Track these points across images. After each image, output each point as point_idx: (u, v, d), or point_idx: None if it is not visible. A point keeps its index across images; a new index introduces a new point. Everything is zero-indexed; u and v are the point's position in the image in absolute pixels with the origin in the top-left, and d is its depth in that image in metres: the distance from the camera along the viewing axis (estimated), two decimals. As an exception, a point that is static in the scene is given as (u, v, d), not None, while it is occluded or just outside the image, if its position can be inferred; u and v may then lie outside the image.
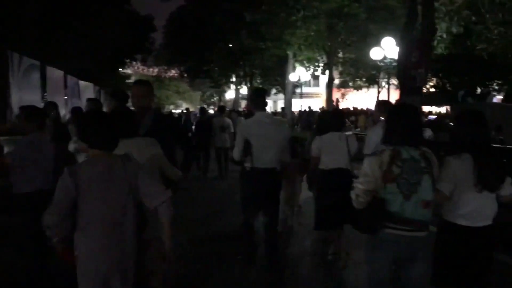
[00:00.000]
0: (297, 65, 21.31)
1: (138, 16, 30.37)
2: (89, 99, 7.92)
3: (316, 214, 4.94)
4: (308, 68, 22.17)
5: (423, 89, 10.78)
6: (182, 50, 31.06)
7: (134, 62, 45.78)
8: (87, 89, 30.78)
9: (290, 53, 20.55)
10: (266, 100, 4.66)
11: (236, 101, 35.78)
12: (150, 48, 32.96)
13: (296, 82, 21.82)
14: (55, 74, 21.60)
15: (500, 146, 8.65)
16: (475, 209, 2.84)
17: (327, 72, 19.93)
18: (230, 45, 23.51)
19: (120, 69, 39.82)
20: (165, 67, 44.94)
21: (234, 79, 32.35)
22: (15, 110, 13.81)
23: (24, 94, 15.86)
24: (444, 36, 12.57)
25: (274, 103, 47.56)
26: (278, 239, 4.81)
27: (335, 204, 4.57)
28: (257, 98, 4.63)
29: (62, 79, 22.54)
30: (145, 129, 3.84)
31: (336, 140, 4.75)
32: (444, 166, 2.87)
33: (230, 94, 40.42)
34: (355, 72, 24.55)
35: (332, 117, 5.07)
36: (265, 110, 4.65)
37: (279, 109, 32.68)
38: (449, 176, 2.83)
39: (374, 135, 4.36)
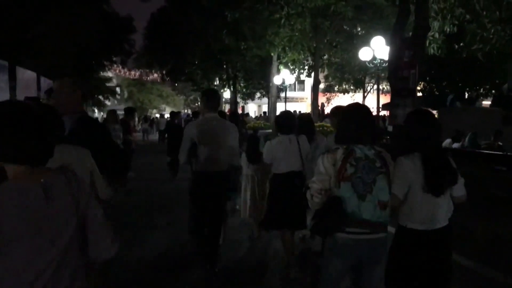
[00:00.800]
0: (281, 67, 20.48)
1: (116, 17, 29.37)
2: (27, 98, 7.18)
3: (266, 214, 4.89)
4: (293, 71, 21.38)
5: (416, 91, 10.09)
6: (162, 52, 30.08)
7: (115, 65, 44.69)
8: (64, 92, 29.61)
9: (274, 55, 19.75)
10: (218, 101, 4.61)
11: (219, 105, 34.95)
12: (130, 50, 31.92)
13: (281, 85, 21.03)
14: (26, 75, 20.44)
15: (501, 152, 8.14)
16: (430, 211, 2.75)
17: (312, 75, 19.13)
18: (211, 46, 22.60)
19: (101, 72, 38.70)
20: (147, 70, 43.82)
21: (217, 82, 31.42)
22: None
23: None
24: (437, 35, 11.94)
25: (258, 107, 46.79)
26: (218, 247, 4.76)
27: (286, 205, 4.52)
28: (207, 99, 4.52)
29: (34, 80, 21.42)
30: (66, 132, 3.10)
31: (286, 143, 4.64)
32: (396, 166, 2.78)
33: (213, 98, 39.47)
34: (341, 75, 23.88)
35: (282, 120, 4.89)
36: (215, 111, 4.56)
37: (263, 114, 31.95)
38: (401, 177, 2.75)
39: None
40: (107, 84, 44.65)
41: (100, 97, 39.88)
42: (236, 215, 6.74)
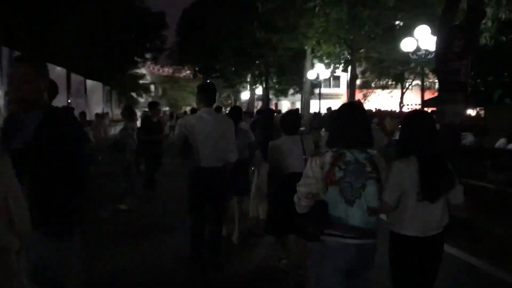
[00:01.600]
0: (315, 61, 19.43)
1: (148, 12, 29.06)
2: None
3: (267, 217, 4.77)
4: (328, 65, 20.23)
5: (468, 85, 8.91)
6: (194, 48, 29.58)
7: (148, 62, 44.68)
8: (96, 89, 29.50)
9: (307, 49, 18.70)
10: (215, 95, 4.52)
11: (251, 102, 34.10)
12: (161, 46, 31.61)
13: (314, 80, 20.01)
14: (55, 71, 20.24)
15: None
16: (423, 218, 2.69)
17: (349, 69, 17.90)
18: (243, 41, 21.76)
19: (132, 70, 38.71)
20: (179, 67, 43.53)
21: (249, 78, 30.56)
22: (3, 110, 12.52)
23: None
24: (490, 24, 10.68)
25: (291, 104, 45.73)
26: (221, 243, 4.70)
27: (288, 209, 3.94)
28: (202, 93, 4.45)
29: (64, 77, 21.20)
30: (27, 136, 2.38)
31: (289, 144, 4.46)
32: (390, 171, 2.69)
33: (246, 95, 38.72)
34: (380, 69, 22.44)
35: (286, 120, 4.72)
36: (210, 106, 4.46)
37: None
38: (394, 183, 2.67)
39: None
40: (141, 81, 44.82)
41: (133, 94, 39.89)
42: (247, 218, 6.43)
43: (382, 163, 2.67)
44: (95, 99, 28.21)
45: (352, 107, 2.84)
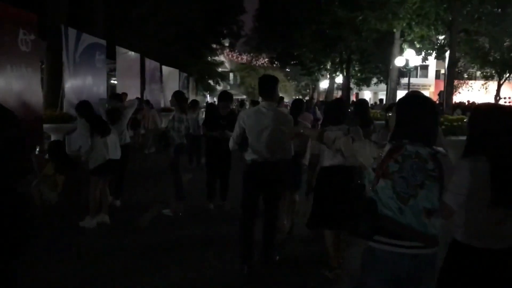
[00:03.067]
0: (405, 46, 17.00)
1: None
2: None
3: (312, 212, 4.44)
4: (419, 51, 17.57)
5: None
6: (272, 34, 28.13)
7: (227, 49, 44.07)
8: (172, 75, 29.11)
9: (397, 32, 16.34)
10: (276, 89, 4.42)
11: (330, 91, 31.99)
12: (238, 32, 30.50)
13: (403, 67, 17.63)
14: (128, 56, 19.73)
15: None
16: (492, 227, 2.30)
17: (447, 55, 15.18)
18: (322, 24, 19.78)
19: (210, 57, 38.23)
20: (256, 54, 42.39)
21: (329, 66, 28.44)
22: (71, 96, 11.83)
23: (85, 77, 13.97)
24: None
25: (374, 94, 42.78)
26: (275, 236, 4.60)
27: (333, 203, 4.15)
28: (263, 86, 4.44)
29: (137, 61, 20.75)
30: None
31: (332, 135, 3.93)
32: (455, 171, 2.32)
33: (325, 84, 36.63)
34: (484, 56, 19.11)
35: (332, 110, 4.59)
36: (271, 99, 4.38)
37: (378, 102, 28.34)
38: (458, 184, 2.29)
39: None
40: (220, 69, 44.35)
41: (210, 81, 39.45)
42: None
43: (450, 164, 2.32)
44: (171, 86, 27.76)
45: (417, 97, 2.54)
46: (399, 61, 17.33)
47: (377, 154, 2.36)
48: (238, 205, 4.59)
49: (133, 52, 19.92)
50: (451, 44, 14.38)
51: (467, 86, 33.98)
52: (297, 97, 52.18)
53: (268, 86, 4.40)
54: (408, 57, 16.67)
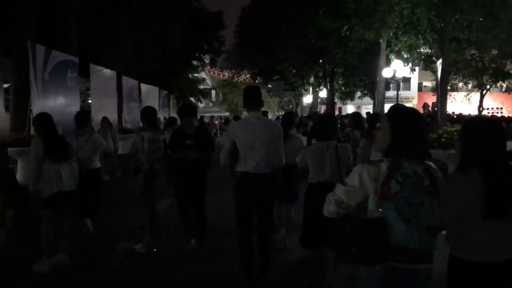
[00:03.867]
0: (392, 57, 16.45)
1: (205, 12, 27.29)
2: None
3: (302, 230, 4.40)
4: (406, 62, 16.94)
5: None
6: (253, 49, 27.50)
7: (208, 66, 43.41)
8: (151, 93, 28.15)
9: (383, 42, 15.74)
10: (261, 98, 4.33)
11: (313, 105, 31.39)
12: (219, 48, 29.78)
13: (391, 79, 17.05)
14: (103, 73, 18.73)
15: None
16: (489, 239, 2.25)
17: (438, 64, 14.54)
18: (305, 38, 19.18)
19: (191, 74, 37.45)
20: (238, 70, 41.72)
21: (312, 80, 27.84)
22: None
23: (56, 97, 13.02)
24: None
25: (357, 108, 42.40)
26: (271, 251, 4.41)
27: (319, 220, 3.51)
28: (248, 97, 4.30)
29: (113, 79, 19.80)
30: None
31: (322, 150, 4.27)
32: (446, 185, 2.32)
33: (308, 99, 36.09)
34: (476, 64, 18.56)
35: (321, 124, 4.55)
36: (257, 110, 4.27)
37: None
38: (452, 198, 2.28)
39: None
40: (202, 86, 43.53)
41: (192, 99, 38.62)
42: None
43: (440, 174, 2.32)
44: (151, 104, 26.77)
45: (411, 111, 2.46)
46: (386, 72, 16.74)
47: (375, 174, 2.25)
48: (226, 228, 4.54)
49: (109, 70, 18.97)
50: (444, 52, 13.81)
51: (450, 97, 33.91)
52: (284, 111, 51.63)
53: (253, 96, 4.28)
54: (395, 68, 16.10)
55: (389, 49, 16.23)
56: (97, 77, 17.44)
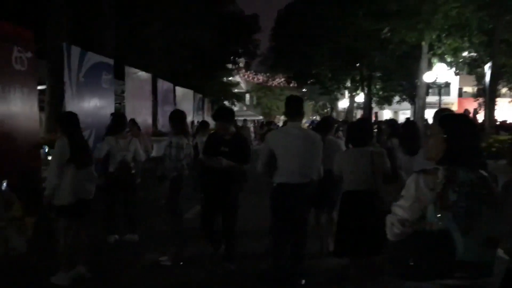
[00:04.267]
0: (434, 61, 15.63)
1: (240, 15, 27.08)
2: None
3: (336, 239, 4.23)
4: (451, 65, 16.00)
5: None
6: (288, 52, 27.06)
7: (243, 70, 43.28)
8: (186, 96, 28.13)
9: (425, 45, 14.96)
10: (303, 109, 4.40)
11: (350, 110, 30.63)
12: (254, 51, 29.49)
13: (432, 83, 16.18)
14: (138, 76, 18.77)
15: None
16: None
17: (487, 67, 13.60)
18: (342, 41, 18.55)
19: (226, 77, 37.37)
20: (272, 74, 41.34)
21: (349, 84, 27.08)
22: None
23: (90, 98, 12.95)
24: None
25: (394, 113, 41.19)
26: (302, 264, 4.35)
27: (357, 230, 3.93)
28: (290, 106, 4.29)
29: (148, 82, 19.83)
30: None
31: (357, 157, 4.09)
32: (504, 192, 2.40)
33: (344, 103, 35.28)
34: None
35: (355, 130, 4.36)
36: (297, 120, 4.26)
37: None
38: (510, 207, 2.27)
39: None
40: (236, 90, 43.42)
41: (226, 102, 38.54)
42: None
43: (493, 183, 2.19)
44: (186, 107, 26.75)
45: (467, 118, 2.39)
46: (428, 77, 15.92)
47: (432, 183, 2.11)
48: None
49: (144, 72, 18.97)
50: (493, 55, 12.89)
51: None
52: (319, 116, 50.82)
53: (295, 106, 4.27)
54: (438, 72, 15.26)
55: (431, 52, 15.42)
56: (132, 80, 17.41)
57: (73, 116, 4.64)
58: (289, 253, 4.28)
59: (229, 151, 4.69)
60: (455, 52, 13.97)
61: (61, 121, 4.63)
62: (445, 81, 15.87)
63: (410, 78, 23.68)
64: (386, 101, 27.32)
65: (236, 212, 4.92)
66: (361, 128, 4.40)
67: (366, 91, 24.91)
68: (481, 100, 28.81)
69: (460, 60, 15.53)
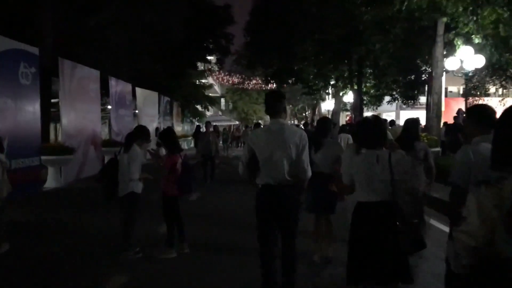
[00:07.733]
0: (458, 42, 12.13)
1: (211, 6, 23.20)
2: None
3: (348, 261, 3.52)
4: (487, 46, 12.30)
5: None
6: (266, 48, 23.57)
7: (216, 72, 39.62)
8: (150, 99, 24.10)
9: (441, 22, 11.51)
10: (284, 104, 3.95)
11: (336, 112, 27.20)
12: (227, 47, 25.68)
13: (457, 72, 12.81)
14: (80, 72, 14.69)
15: None
16: None
17: None
18: (329, 30, 15.29)
19: (198, 79, 33.62)
20: (248, 75, 37.67)
21: (339, 82, 23.53)
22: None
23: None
24: None
25: (380, 115, 38.02)
26: (295, 268, 3.99)
27: (373, 249, 3.32)
28: (270, 102, 3.99)
29: (95, 80, 15.88)
30: None
31: (372, 162, 3.39)
32: None
33: (327, 105, 31.85)
34: None
35: (369, 130, 3.60)
36: (277, 117, 3.91)
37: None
38: None
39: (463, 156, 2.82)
40: (210, 94, 39.59)
41: (198, 106, 34.70)
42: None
43: None
44: (149, 112, 22.87)
45: None
46: (451, 64, 12.38)
47: (496, 199, 1.64)
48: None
49: (88, 68, 14.99)
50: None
51: (482, 101, 29.95)
52: (295, 120, 47.39)
53: (275, 102, 3.90)
54: (463, 57, 11.78)
55: (453, 32, 11.96)
56: (71, 77, 13.51)
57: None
58: (280, 267, 3.89)
59: None
60: (496, 26, 10.40)
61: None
62: (475, 68, 12.36)
63: (407, 73, 20.59)
64: (378, 100, 24.04)
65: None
66: (375, 128, 3.56)
67: (355, 88, 21.45)
68: (471, 99, 26.10)
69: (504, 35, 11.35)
